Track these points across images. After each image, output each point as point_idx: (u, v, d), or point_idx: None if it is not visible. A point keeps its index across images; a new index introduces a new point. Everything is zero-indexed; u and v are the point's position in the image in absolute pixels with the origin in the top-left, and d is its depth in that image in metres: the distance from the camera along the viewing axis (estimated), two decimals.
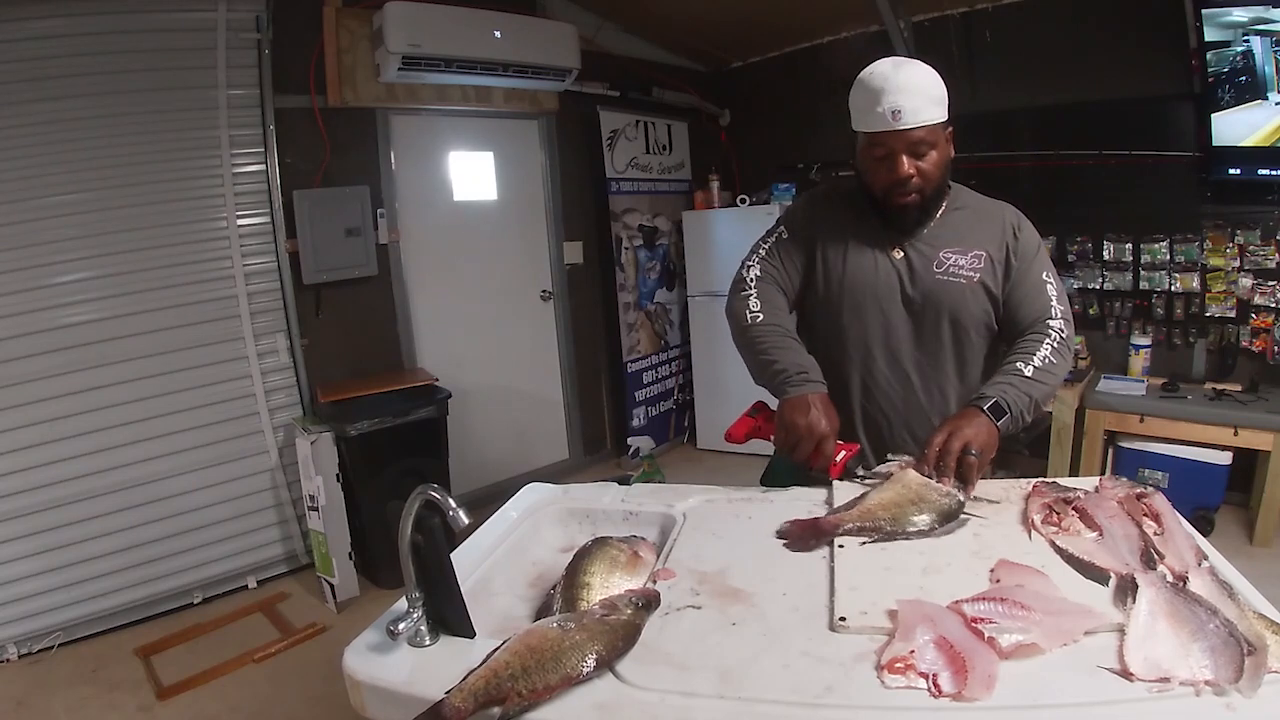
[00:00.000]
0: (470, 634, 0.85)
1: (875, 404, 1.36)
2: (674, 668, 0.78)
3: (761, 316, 1.35)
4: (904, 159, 1.22)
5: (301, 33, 2.95)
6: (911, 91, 1.20)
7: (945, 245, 1.31)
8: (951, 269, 1.30)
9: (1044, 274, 1.32)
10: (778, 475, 1.39)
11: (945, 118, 1.25)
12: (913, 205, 1.27)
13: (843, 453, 1.20)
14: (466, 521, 0.86)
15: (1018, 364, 1.23)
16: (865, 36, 3.86)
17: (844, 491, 1.16)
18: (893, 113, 1.19)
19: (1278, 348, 2.98)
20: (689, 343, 4.39)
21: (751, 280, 1.39)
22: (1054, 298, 1.31)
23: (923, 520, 1.01)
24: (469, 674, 0.74)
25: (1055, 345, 1.25)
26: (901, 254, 1.32)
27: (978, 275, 1.30)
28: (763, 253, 1.42)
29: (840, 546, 0.99)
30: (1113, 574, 0.85)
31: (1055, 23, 3.29)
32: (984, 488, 1.13)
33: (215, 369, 2.85)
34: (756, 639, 0.82)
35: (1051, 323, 1.28)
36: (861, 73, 1.25)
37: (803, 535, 1.03)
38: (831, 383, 1.35)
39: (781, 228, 1.43)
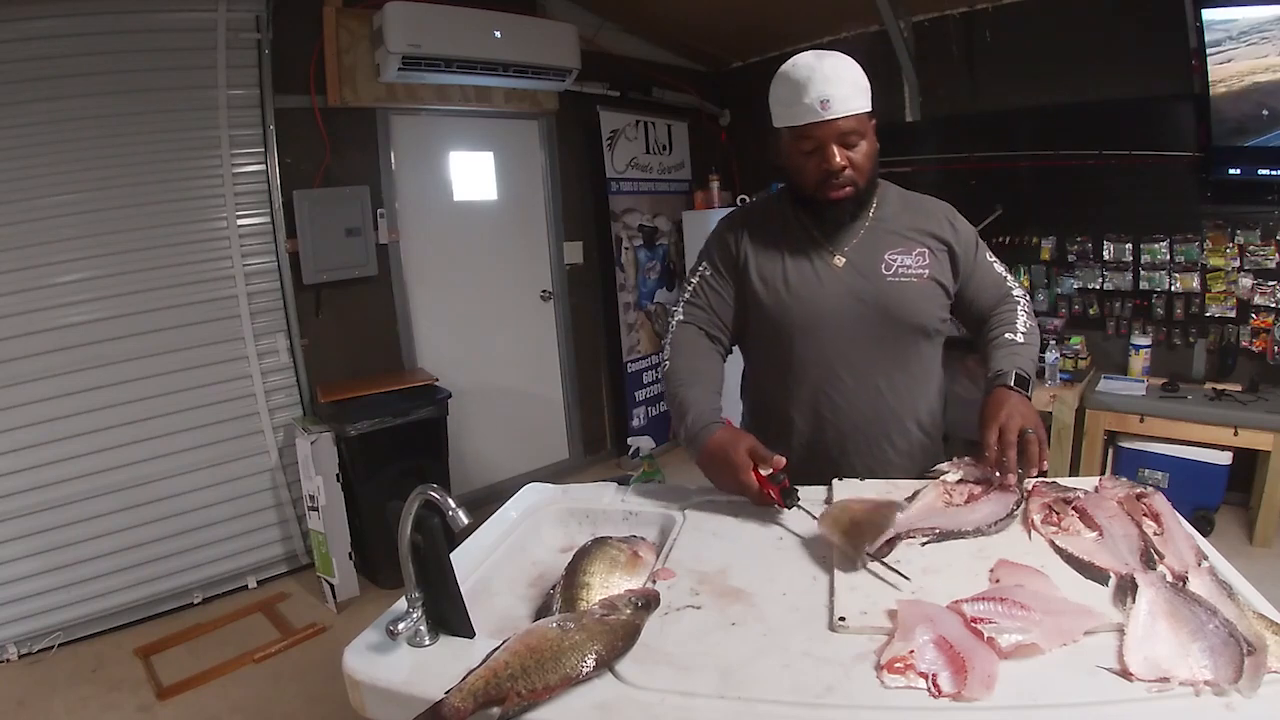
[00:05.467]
0: (470, 634, 0.85)
1: (848, 420, 1.29)
2: (674, 668, 0.78)
3: (668, 364, 1.32)
4: (835, 149, 1.18)
5: (301, 33, 2.95)
6: (838, 80, 1.16)
7: (887, 246, 1.27)
8: (900, 270, 1.26)
9: (988, 256, 1.35)
10: None
11: (870, 109, 1.21)
12: (847, 199, 1.22)
13: (771, 493, 1.10)
14: (466, 521, 0.85)
15: (1005, 334, 1.26)
16: (865, 36, 3.86)
17: (844, 491, 1.16)
18: (821, 102, 1.15)
19: (1278, 348, 2.98)
20: None
21: (673, 328, 1.35)
22: (1004, 274, 1.35)
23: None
24: (468, 674, 0.74)
25: (1026, 310, 1.32)
26: (844, 260, 1.27)
27: (927, 271, 1.27)
28: (687, 295, 1.36)
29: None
30: (1112, 574, 0.85)
31: (1055, 23, 3.29)
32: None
33: (215, 369, 2.85)
34: (756, 639, 0.82)
35: (1014, 292, 1.34)
36: (782, 67, 1.21)
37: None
38: (789, 407, 1.30)
39: (703, 264, 1.36)
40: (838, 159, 1.19)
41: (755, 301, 1.31)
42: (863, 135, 1.21)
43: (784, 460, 1.10)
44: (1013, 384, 1.17)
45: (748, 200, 4.01)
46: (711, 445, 1.17)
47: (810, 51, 1.20)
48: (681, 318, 1.35)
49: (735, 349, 1.43)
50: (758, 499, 1.11)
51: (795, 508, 1.10)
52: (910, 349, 1.30)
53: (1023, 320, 1.29)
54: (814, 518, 1.05)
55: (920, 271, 1.27)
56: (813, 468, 1.26)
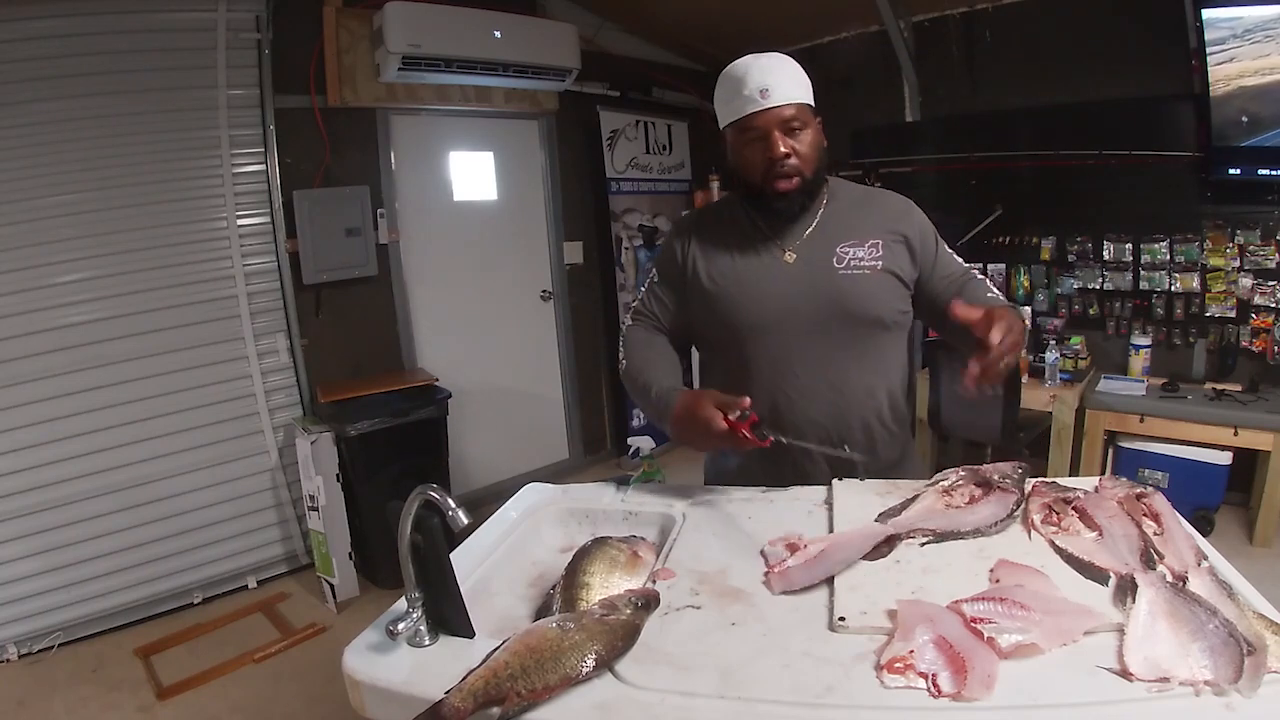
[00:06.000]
0: (470, 634, 0.85)
1: (804, 415, 1.27)
2: (674, 668, 0.78)
3: (625, 363, 1.36)
4: (778, 135, 1.19)
5: (301, 33, 2.95)
6: (775, 72, 1.20)
7: (839, 240, 1.27)
8: (852, 262, 1.25)
9: (945, 249, 1.34)
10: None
11: (812, 102, 1.24)
12: (795, 191, 1.22)
13: (745, 432, 1.13)
14: (466, 521, 0.86)
15: (986, 295, 1.27)
16: (865, 36, 3.86)
17: (844, 491, 1.16)
18: (761, 91, 1.18)
19: (1278, 348, 2.98)
20: None
21: (624, 333, 1.41)
22: (964, 265, 1.35)
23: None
24: (468, 674, 0.74)
25: (993, 288, 1.32)
26: (794, 256, 1.27)
27: (880, 263, 1.26)
28: (635, 305, 1.42)
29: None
30: (1112, 574, 0.85)
31: (1055, 23, 3.29)
32: None
33: (215, 369, 2.85)
34: (756, 639, 0.82)
35: (977, 275, 1.33)
36: (721, 73, 1.24)
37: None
38: (755, 408, 1.25)
39: (654, 272, 1.40)
40: (782, 146, 1.19)
41: (707, 303, 1.31)
42: (806, 125, 1.22)
43: (749, 399, 1.12)
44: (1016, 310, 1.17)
45: None
46: (678, 409, 1.20)
47: (747, 56, 1.23)
48: (629, 323, 1.41)
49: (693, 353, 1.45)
50: (732, 443, 1.13)
51: (770, 438, 1.12)
52: (867, 341, 1.28)
53: (995, 292, 1.30)
54: (785, 441, 1.12)
55: (873, 263, 1.26)
56: (774, 466, 1.26)
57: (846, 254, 1.26)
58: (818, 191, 1.28)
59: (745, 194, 1.30)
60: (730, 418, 1.12)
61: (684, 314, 1.36)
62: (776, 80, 1.19)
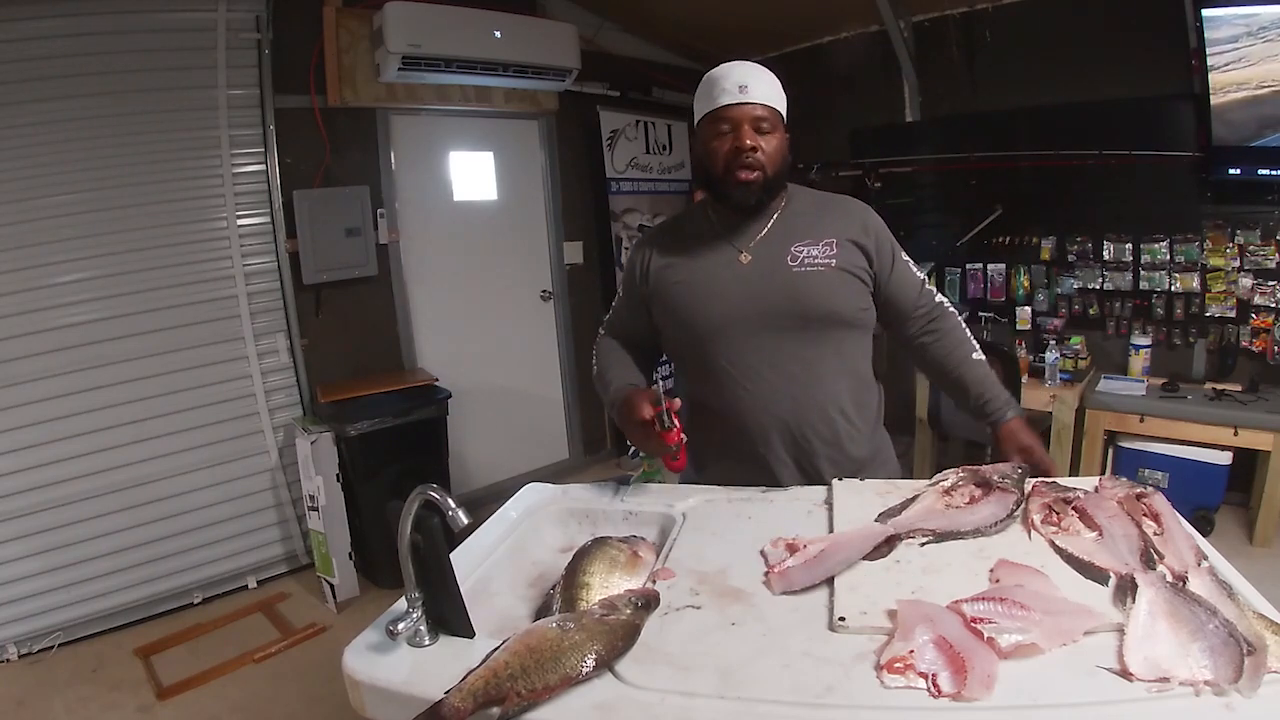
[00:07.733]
0: (470, 634, 0.85)
1: (767, 413, 1.29)
2: (674, 668, 0.78)
3: (595, 369, 1.45)
4: (748, 129, 1.23)
5: (301, 33, 2.96)
6: (755, 74, 1.25)
7: (794, 239, 1.29)
8: (806, 260, 1.28)
9: (902, 256, 1.37)
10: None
11: (784, 115, 1.28)
12: (755, 183, 1.24)
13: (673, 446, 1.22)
14: (466, 521, 0.86)
15: (972, 355, 1.36)
16: (865, 36, 3.86)
17: (844, 491, 1.16)
18: (740, 87, 1.23)
19: (1278, 348, 2.98)
20: None
21: (596, 343, 1.50)
22: (919, 274, 1.38)
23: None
24: (468, 674, 0.74)
25: (960, 318, 1.40)
26: (749, 257, 1.30)
27: (834, 261, 1.28)
28: (607, 317, 1.51)
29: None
30: (1112, 574, 0.85)
31: (1055, 23, 3.29)
32: None
33: (215, 369, 2.85)
34: (756, 639, 0.82)
35: (942, 302, 1.39)
36: (703, 77, 1.29)
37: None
38: (713, 405, 1.32)
39: (620, 290, 1.48)
40: (749, 139, 1.23)
41: (667, 308, 1.35)
42: (775, 130, 1.26)
43: (679, 401, 1.21)
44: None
45: None
46: (620, 400, 1.30)
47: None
48: (600, 334, 1.50)
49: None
50: (648, 433, 1.21)
51: (674, 428, 1.20)
52: (826, 338, 1.29)
53: (970, 335, 1.37)
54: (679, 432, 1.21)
55: (827, 261, 1.28)
56: (741, 465, 1.30)
57: (801, 252, 1.28)
58: (777, 193, 1.31)
59: (706, 185, 1.33)
60: (656, 408, 1.20)
61: (648, 324, 1.41)
62: (756, 81, 1.24)
